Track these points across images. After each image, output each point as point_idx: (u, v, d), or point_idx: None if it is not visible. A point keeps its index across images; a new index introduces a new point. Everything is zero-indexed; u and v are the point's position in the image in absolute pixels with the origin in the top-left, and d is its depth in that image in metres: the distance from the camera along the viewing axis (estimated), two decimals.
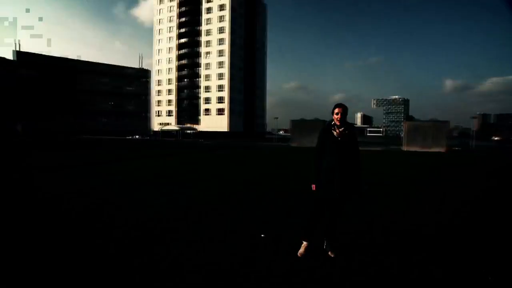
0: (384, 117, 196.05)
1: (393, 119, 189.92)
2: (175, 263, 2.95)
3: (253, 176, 8.90)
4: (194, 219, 4.47)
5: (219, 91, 62.07)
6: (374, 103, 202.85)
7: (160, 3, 70.36)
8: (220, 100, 61.94)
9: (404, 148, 23.80)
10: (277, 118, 40.86)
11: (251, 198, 5.92)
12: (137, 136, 75.25)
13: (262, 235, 3.84)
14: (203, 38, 63.92)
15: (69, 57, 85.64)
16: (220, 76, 61.68)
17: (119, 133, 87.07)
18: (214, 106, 62.71)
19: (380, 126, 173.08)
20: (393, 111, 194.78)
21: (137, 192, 6.28)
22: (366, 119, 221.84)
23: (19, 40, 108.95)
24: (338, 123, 3.08)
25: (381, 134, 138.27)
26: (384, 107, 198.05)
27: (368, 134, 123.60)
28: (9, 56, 75.47)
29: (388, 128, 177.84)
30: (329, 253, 3.21)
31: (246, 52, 69.17)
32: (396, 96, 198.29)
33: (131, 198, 5.76)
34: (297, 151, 20.85)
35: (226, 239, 3.63)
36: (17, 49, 69.95)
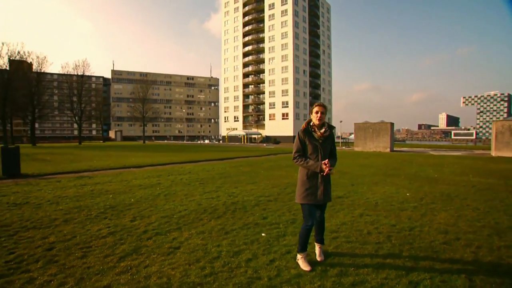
0: (478, 117, 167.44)
1: (490, 119, 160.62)
2: None
3: (291, 179, 8.83)
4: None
5: (283, 95, 62.51)
6: (463, 102, 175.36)
7: (226, 15, 74.95)
8: (285, 104, 62.27)
9: (493, 153, 20.05)
10: (341, 121, 39.05)
11: (284, 200, 5.97)
12: (206, 141, 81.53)
13: (263, 234, 3.91)
14: (267, 45, 65.45)
15: (151, 71, 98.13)
16: (284, 81, 62.09)
17: (191, 138, 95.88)
18: (278, 111, 63.38)
19: (470, 128, 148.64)
20: (489, 109, 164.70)
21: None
22: (451, 120, 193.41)
23: (113, 61, 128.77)
24: (318, 123, 2.95)
25: (472, 137, 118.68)
26: (478, 106, 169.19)
27: (454, 137, 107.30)
28: (108, 75, 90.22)
29: (481, 130, 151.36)
30: (317, 257, 3.13)
31: (311, 56, 68.23)
32: (495, 92, 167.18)
33: None
34: (357, 156, 19.62)
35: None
36: (112, 68, 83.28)
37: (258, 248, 3.45)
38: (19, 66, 40.01)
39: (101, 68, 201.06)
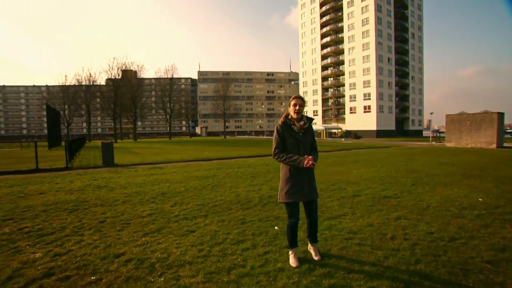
0: None
1: None
2: None
3: (352, 178, 8.33)
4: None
5: (365, 87, 57.94)
6: None
7: (302, 7, 73.41)
8: (366, 96, 57.69)
9: None
10: (431, 113, 33.91)
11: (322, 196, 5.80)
12: None
13: (276, 227, 3.92)
14: (346, 34, 61.48)
15: (233, 70, 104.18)
16: (366, 71, 57.39)
17: (271, 133, 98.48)
18: (359, 103, 59.13)
19: None
20: None
21: None
22: None
23: (199, 63, 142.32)
24: (296, 116, 2.83)
25: None
26: None
27: None
28: (195, 75, 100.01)
29: None
30: (314, 256, 2.99)
31: (397, 41, 61.03)
32: None
33: None
34: (444, 152, 16.87)
35: None
36: (199, 69, 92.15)
37: (261, 240, 3.53)
38: (126, 75, 48.55)
39: (190, 70, 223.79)
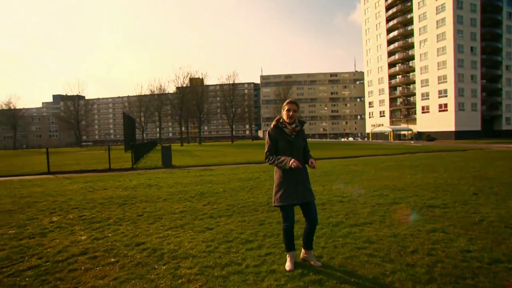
0: None
1: None
2: None
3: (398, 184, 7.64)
4: None
5: (440, 83, 51.52)
6: None
7: (366, 2, 69.07)
8: (442, 94, 51.21)
9: None
10: None
11: (359, 202, 5.51)
12: (350, 139, 78.39)
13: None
14: (416, 26, 55.61)
15: (295, 72, 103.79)
16: (441, 65, 50.95)
17: (335, 136, 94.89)
18: (434, 102, 52.83)
19: None
20: None
21: None
22: None
23: (261, 67, 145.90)
24: (289, 121, 2.82)
25: None
26: None
27: None
28: (258, 80, 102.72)
29: None
30: (313, 263, 2.89)
31: (483, 26, 52.57)
32: None
33: None
34: None
35: None
36: (261, 73, 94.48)
37: (270, 241, 3.56)
38: (192, 82, 52.90)
39: (252, 75, 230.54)
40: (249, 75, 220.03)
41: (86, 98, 68.49)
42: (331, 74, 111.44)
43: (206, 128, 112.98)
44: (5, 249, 3.58)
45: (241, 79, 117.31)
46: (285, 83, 72.59)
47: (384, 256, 3.08)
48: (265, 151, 2.88)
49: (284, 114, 2.86)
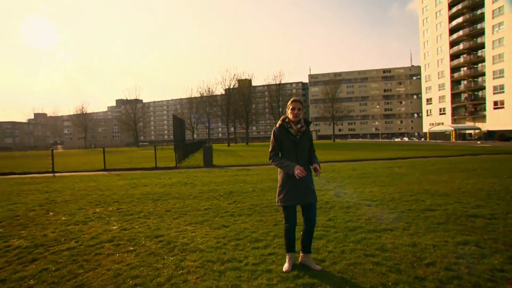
0: None
1: None
2: None
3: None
4: None
5: None
6: None
7: None
8: None
9: None
10: None
11: (384, 206, 5.22)
12: (405, 138, 72.52)
13: None
14: (489, 7, 48.94)
15: (345, 70, 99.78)
16: None
17: (388, 136, 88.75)
18: (509, 95, 46.13)
19: None
20: None
21: None
22: None
23: (310, 66, 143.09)
24: (294, 120, 2.79)
25: None
26: None
27: None
28: (306, 79, 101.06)
29: None
30: (313, 266, 2.85)
31: None
32: None
33: None
34: None
35: None
36: (309, 72, 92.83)
37: (277, 242, 3.57)
38: (239, 84, 54.30)
39: (300, 74, 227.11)
40: (297, 75, 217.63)
41: (144, 101, 75.22)
42: (384, 70, 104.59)
43: (254, 128, 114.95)
44: (55, 232, 4.25)
45: (288, 79, 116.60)
46: (333, 81, 70.21)
47: (392, 265, 2.89)
48: (270, 151, 2.87)
49: (289, 113, 2.85)
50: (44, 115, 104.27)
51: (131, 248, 3.51)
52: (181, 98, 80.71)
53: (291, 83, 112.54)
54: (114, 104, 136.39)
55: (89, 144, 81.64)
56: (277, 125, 2.89)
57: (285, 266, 2.83)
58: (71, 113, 76.10)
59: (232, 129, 58.67)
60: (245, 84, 60.02)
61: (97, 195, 7.08)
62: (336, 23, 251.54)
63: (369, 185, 7.49)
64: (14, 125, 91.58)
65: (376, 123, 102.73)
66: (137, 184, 8.68)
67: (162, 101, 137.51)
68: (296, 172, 2.64)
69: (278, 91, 58.48)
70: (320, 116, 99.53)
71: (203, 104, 58.81)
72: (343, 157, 16.51)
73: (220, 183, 8.37)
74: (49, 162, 14.02)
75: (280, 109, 58.34)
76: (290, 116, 2.84)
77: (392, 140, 65.21)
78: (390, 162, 13.41)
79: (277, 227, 4.21)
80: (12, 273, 2.96)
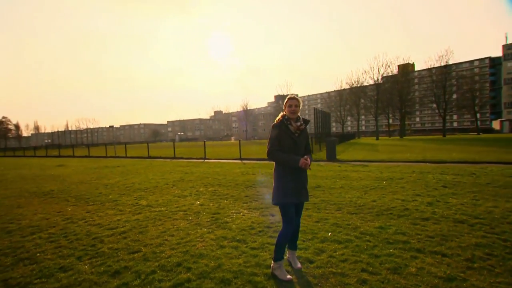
0: None
1: None
2: None
3: None
4: None
5: None
6: None
7: None
8: None
9: None
10: None
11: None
12: None
13: (329, 233, 3.70)
14: None
15: None
16: None
17: None
18: None
19: None
20: None
21: None
22: None
23: (506, 33, 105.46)
24: (292, 116, 2.82)
25: None
26: None
27: None
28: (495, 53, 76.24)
29: None
30: (294, 265, 2.92)
31: None
32: None
33: None
34: None
35: None
36: (505, 42, 69.63)
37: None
38: (400, 69, 48.24)
39: (486, 48, 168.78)
40: (479, 50, 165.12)
41: (299, 95, 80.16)
42: None
43: (418, 119, 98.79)
44: (164, 199, 6.09)
45: (459, 57, 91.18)
46: None
47: (375, 280, 2.54)
48: (269, 146, 2.79)
49: (286, 111, 2.85)
50: (220, 112, 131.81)
51: (190, 217, 4.70)
52: (328, 92, 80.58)
53: (470, 61, 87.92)
54: (273, 100, 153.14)
55: (251, 136, 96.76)
56: (278, 121, 2.86)
57: (287, 276, 2.70)
58: (238, 109, 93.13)
59: (386, 121, 52.93)
60: (404, 70, 52.62)
61: (212, 178, 9.04)
62: None
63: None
64: (200, 121, 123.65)
65: None
66: (249, 172, 10.17)
67: (315, 94, 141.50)
68: (303, 162, 2.66)
69: (444, 75, 47.33)
70: None
71: (352, 95, 56.36)
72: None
73: (317, 177, 8.38)
74: (214, 150, 18.28)
75: (446, 96, 47.12)
76: (287, 112, 2.85)
77: None
78: None
79: (317, 224, 4.22)
80: (128, 217, 4.76)
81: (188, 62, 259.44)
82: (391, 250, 3.19)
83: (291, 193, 2.73)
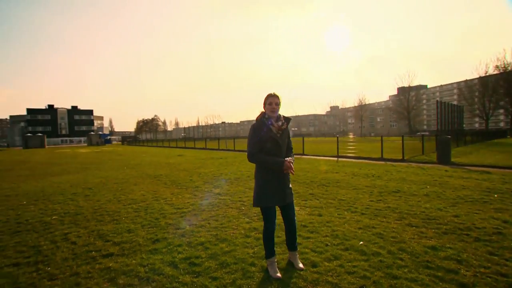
0: None
1: None
2: None
3: None
4: None
5: None
6: None
7: None
8: None
9: None
10: None
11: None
12: None
13: (361, 242, 3.38)
14: None
15: None
16: None
17: None
18: None
19: None
20: None
21: None
22: None
23: None
24: (273, 115, 2.74)
25: None
26: None
27: None
28: None
29: None
30: (296, 265, 2.90)
31: None
32: None
33: None
34: None
35: None
36: None
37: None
38: None
39: None
40: None
41: (429, 86, 67.37)
42: None
43: None
44: (236, 191, 6.74)
45: None
46: None
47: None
48: (250, 148, 2.70)
49: (267, 109, 2.76)
50: (337, 107, 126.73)
51: (243, 208, 5.12)
52: (467, 80, 63.98)
53: None
54: (395, 92, 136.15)
55: (368, 133, 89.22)
56: (256, 120, 2.78)
57: (276, 272, 2.73)
58: (355, 104, 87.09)
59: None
60: None
61: (295, 174, 9.11)
62: None
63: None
64: (315, 117, 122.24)
65: None
66: (333, 171, 9.67)
67: (449, 84, 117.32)
68: (284, 167, 2.61)
69: None
70: None
71: (504, 82, 43.62)
72: None
73: (412, 182, 7.25)
74: (316, 147, 18.20)
75: None
76: (267, 111, 2.75)
77: None
78: None
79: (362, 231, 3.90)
80: (196, 201, 5.65)
81: (305, 58, 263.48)
82: (420, 276, 2.66)
83: (272, 196, 2.70)
